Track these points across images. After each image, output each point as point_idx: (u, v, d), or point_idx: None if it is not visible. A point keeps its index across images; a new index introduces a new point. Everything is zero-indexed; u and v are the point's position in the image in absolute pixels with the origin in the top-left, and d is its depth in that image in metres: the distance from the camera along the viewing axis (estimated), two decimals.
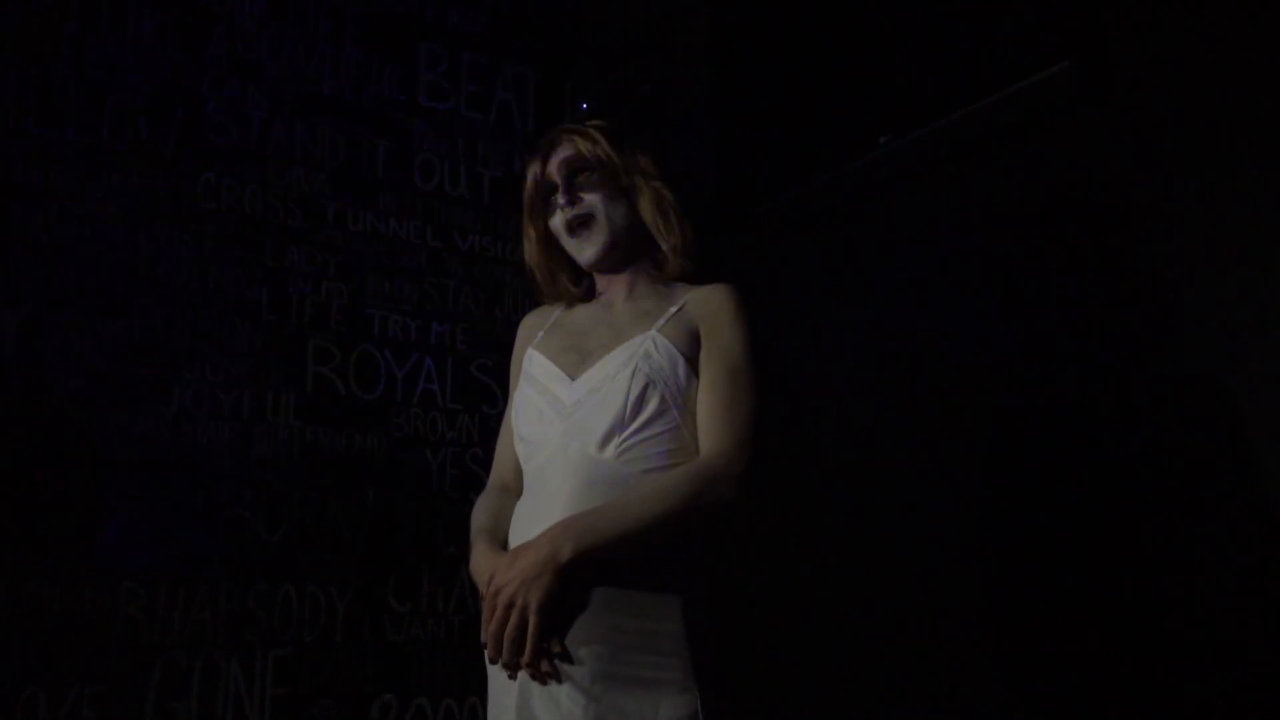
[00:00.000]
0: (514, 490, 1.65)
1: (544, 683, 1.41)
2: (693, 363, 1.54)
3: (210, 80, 2.61)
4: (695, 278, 1.70)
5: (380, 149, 2.83)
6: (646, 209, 1.67)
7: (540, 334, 1.72)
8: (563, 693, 1.40)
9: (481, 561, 1.52)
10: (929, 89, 2.38)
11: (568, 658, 1.40)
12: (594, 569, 1.41)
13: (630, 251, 1.68)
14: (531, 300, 2.86)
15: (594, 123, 1.72)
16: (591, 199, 1.64)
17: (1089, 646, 2.04)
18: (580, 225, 1.65)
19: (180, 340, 2.47)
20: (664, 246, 1.67)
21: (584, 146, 1.66)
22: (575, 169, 1.66)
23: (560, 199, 1.65)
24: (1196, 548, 1.90)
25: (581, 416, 1.53)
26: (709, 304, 1.60)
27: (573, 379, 1.58)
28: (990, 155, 2.34)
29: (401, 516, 2.68)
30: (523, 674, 1.43)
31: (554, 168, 1.67)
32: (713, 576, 1.51)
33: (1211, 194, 1.92)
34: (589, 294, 1.76)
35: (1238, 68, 1.91)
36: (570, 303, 1.76)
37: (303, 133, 2.72)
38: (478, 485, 2.68)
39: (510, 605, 1.40)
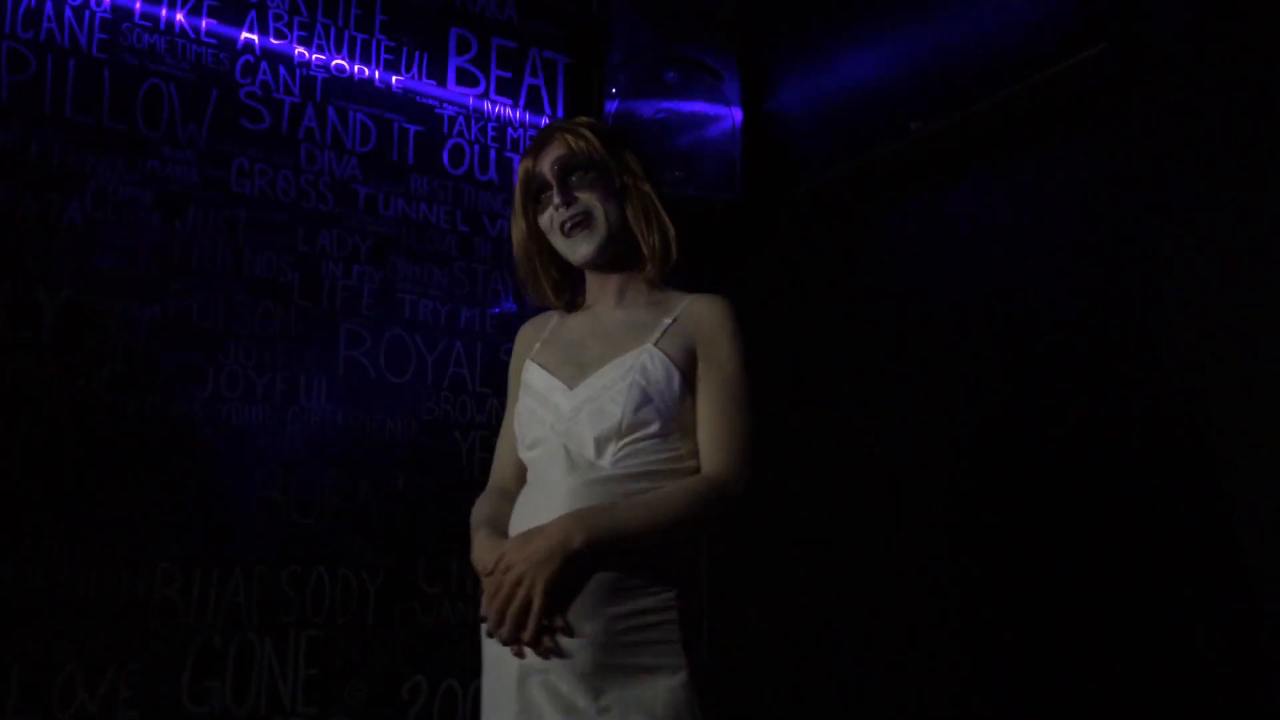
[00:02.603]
0: (512, 494, 1.69)
1: (546, 658, 1.45)
2: (688, 377, 1.59)
3: (242, 67, 2.63)
4: (687, 285, 1.72)
5: (411, 134, 2.85)
6: (633, 210, 1.68)
7: (537, 345, 1.75)
8: (562, 681, 1.45)
9: (485, 546, 1.56)
10: (962, 73, 2.36)
11: (569, 632, 1.44)
12: (602, 559, 1.46)
13: (621, 252, 1.70)
14: None
15: (582, 120, 1.74)
16: (587, 198, 1.65)
17: (1080, 647, 2.03)
18: (576, 226, 1.66)
19: (214, 324, 2.49)
20: (644, 249, 1.68)
21: (576, 145, 1.66)
22: (569, 168, 1.66)
23: (556, 198, 1.66)
24: (1194, 552, 1.89)
25: (579, 424, 1.57)
26: (705, 319, 1.63)
27: (571, 389, 1.61)
28: (1025, 141, 2.32)
29: (432, 499, 2.70)
30: (523, 660, 1.47)
31: (546, 166, 1.67)
32: (700, 567, 1.58)
33: (1253, 179, 1.89)
34: (571, 305, 1.78)
35: (1278, 48, 1.88)
36: (555, 305, 1.78)
37: (334, 118, 2.74)
38: None
39: (518, 584, 1.45)
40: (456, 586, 2.68)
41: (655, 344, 1.59)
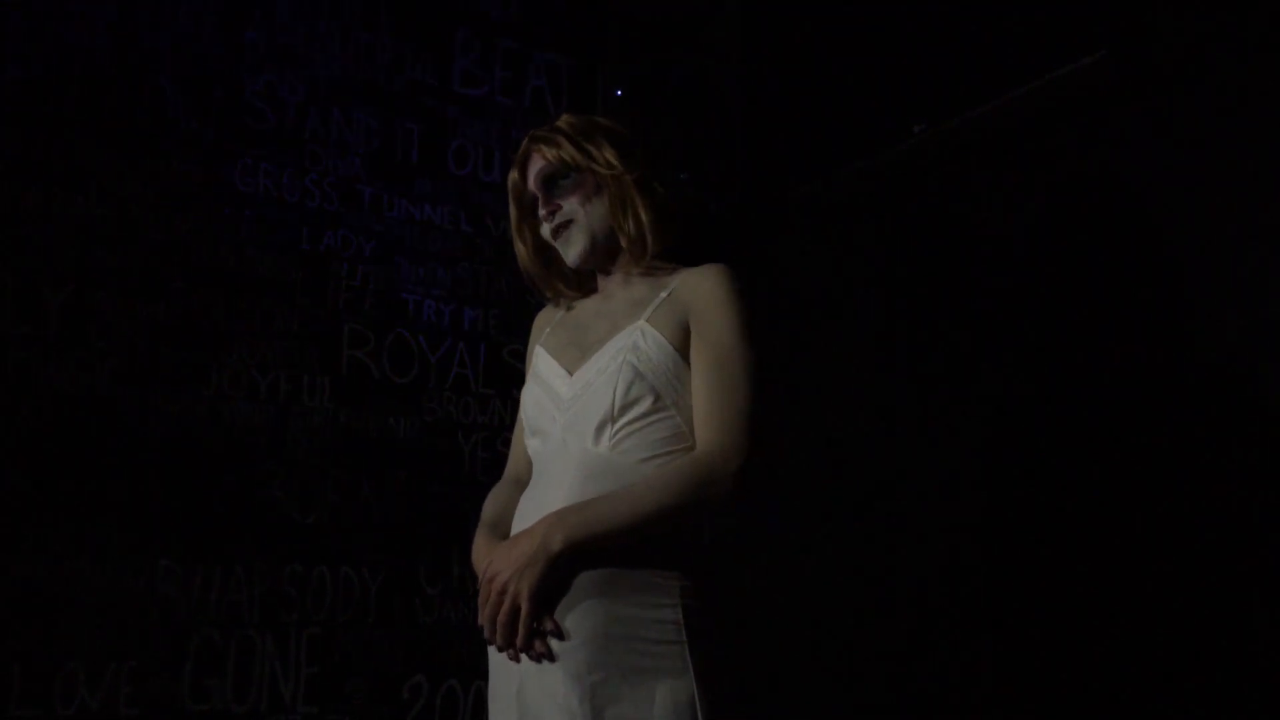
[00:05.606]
0: (526, 484, 1.67)
1: (538, 662, 1.43)
2: (684, 350, 1.54)
3: (248, 66, 2.64)
4: (689, 258, 1.67)
5: (415, 135, 2.85)
6: (611, 204, 1.65)
7: (547, 330, 1.74)
8: (558, 682, 1.41)
9: (480, 550, 1.57)
10: (963, 78, 2.36)
11: (560, 635, 1.42)
12: (587, 558, 1.43)
13: (616, 245, 1.68)
14: None
15: (558, 122, 1.72)
16: (568, 205, 1.65)
17: (1087, 641, 2.03)
18: (561, 230, 1.66)
19: (217, 323, 2.49)
20: (623, 242, 1.66)
21: (551, 154, 1.66)
22: (550, 178, 1.67)
23: (541, 211, 1.67)
24: (1211, 549, 1.88)
25: (577, 410, 1.55)
26: (697, 289, 1.57)
27: (571, 374, 1.59)
28: (1024, 145, 2.33)
29: (433, 499, 2.71)
30: (520, 664, 1.45)
31: (531, 181, 1.69)
32: (711, 563, 1.52)
33: (1248, 186, 1.90)
34: (591, 286, 1.77)
35: (1277, 56, 1.88)
36: (572, 300, 1.77)
37: (338, 118, 2.75)
38: None
39: (503, 592, 1.43)
40: (458, 586, 2.69)
41: (647, 320, 1.56)
